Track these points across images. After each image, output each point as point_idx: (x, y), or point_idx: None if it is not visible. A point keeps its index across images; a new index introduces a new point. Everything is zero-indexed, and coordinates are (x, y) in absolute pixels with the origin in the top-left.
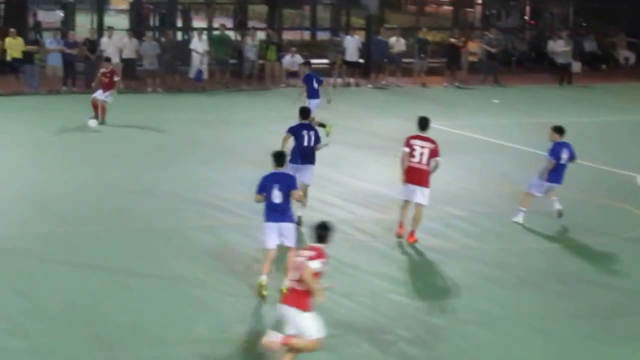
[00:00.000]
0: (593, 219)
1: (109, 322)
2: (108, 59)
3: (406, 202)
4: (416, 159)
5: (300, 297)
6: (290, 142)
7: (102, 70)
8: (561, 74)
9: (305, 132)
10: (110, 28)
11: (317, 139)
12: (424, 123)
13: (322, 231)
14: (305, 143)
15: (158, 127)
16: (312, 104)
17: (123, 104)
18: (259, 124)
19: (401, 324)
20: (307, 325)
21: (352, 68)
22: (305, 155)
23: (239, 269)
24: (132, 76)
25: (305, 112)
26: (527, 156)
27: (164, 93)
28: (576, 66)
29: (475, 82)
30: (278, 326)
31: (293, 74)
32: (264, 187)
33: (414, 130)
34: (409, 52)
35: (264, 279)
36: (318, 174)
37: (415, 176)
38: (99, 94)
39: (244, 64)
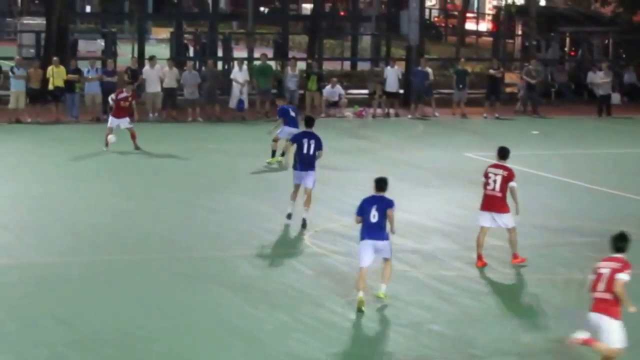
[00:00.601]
0: (635, 251)
1: (150, 351)
2: (130, 82)
3: (482, 229)
4: (490, 187)
5: (610, 305)
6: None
7: (124, 94)
8: (600, 105)
9: (305, 141)
10: (153, 57)
11: (318, 147)
12: (502, 152)
13: (621, 242)
14: (305, 151)
15: (198, 156)
16: (294, 132)
17: (163, 133)
18: None
19: (441, 355)
20: (613, 333)
21: (391, 98)
22: (304, 162)
23: (280, 299)
24: (172, 105)
25: (309, 121)
26: (567, 187)
27: (204, 122)
28: (615, 98)
29: (514, 113)
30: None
31: (333, 104)
32: (363, 209)
33: (452, 160)
34: (449, 83)
35: (361, 295)
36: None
37: (489, 203)
38: (114, 123)
39: (284, 93)
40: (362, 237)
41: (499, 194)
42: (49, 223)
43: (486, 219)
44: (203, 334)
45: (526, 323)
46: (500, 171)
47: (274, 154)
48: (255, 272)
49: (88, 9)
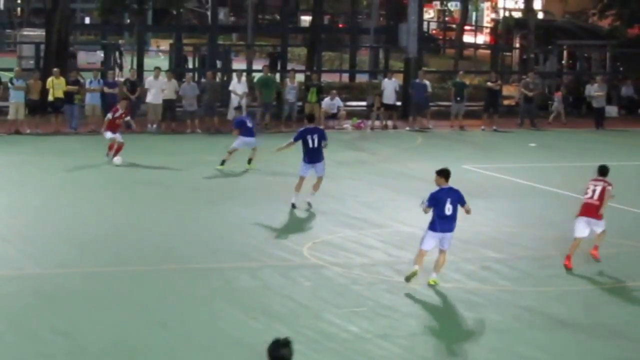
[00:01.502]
0: (632, 263)
1: None
2: (125, 97)
3: (577, 240)
4: (588, 195)
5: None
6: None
7: (120, 112)
8: (597, 118)
9: (309, 136)
10: (158, 68)
11: (322, 138)
12: (603, 170)
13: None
14: (310, 145)
15: (197, 168)
16: (248, 141)
17: (162, 145)
18: (296, 166)
19: None
20: None
21: (389, 111)
22: (311, 155)
23: (280, 311)
24: (171, 117)
25: (310, 117)
26: (564, 199)
27: (203, 134)
28: (612, 110)
29: (512, 126)
30: None
31: (332, 116)
32: (437, 200)
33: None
34: (447, 96)
35: (416, 267)
36: (357, 216)
37: (586, 210)
38: (115, 134)
39: (283, 106)
40: (434, 229)
41: (597, 202)
42: (49, 234)
43: (582, 226)
44: (202, 346)
45: (523, 335)
46: (601, 183)
47: (223, 162)
48: (254, 284)
49: (87, 20)
